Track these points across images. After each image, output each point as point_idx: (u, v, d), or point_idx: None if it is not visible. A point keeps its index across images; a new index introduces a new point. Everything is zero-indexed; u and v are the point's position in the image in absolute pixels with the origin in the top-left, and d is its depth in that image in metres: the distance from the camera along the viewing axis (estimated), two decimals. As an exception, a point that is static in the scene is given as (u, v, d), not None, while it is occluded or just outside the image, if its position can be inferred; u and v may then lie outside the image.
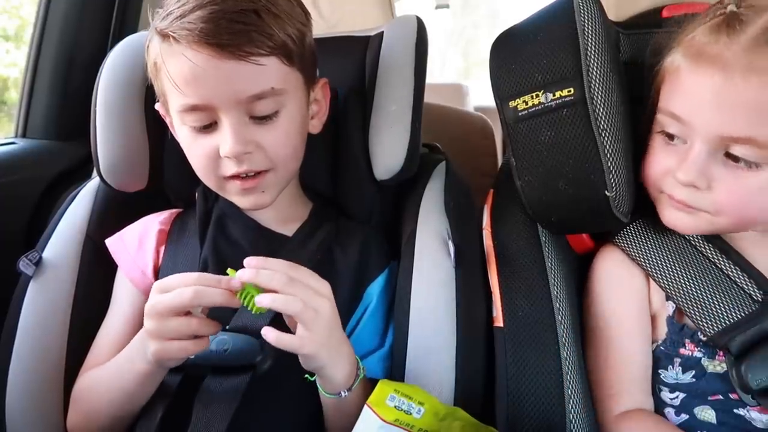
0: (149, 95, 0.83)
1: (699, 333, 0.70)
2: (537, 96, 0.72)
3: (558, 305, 0.74)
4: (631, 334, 0.74)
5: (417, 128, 0.82)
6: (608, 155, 0.69)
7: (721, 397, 0.69)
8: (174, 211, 0.87)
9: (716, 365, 0.70)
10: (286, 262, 0.64)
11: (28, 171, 1.12)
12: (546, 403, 0.69)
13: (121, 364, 0.71)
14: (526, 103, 0.72)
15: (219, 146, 0.70)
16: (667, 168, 0.69)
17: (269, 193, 0.75)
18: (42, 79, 1.18)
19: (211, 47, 0.65)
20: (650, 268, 0.75)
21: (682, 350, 0.72)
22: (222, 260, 0.78)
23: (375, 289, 0.80)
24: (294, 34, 0.71)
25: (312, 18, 0.78)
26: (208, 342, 0.66)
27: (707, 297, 0.70)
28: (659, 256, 0.74)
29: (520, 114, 0.73)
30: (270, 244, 0.80)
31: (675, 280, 0.72)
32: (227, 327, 0.72)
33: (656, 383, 0.74)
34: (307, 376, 0.67)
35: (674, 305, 0.73)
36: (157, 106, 0.78)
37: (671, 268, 0.73)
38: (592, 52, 0.70)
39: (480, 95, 2.96)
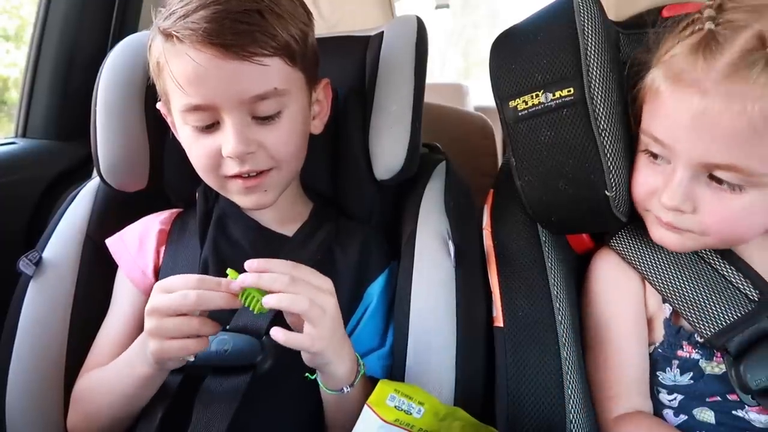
0: (149, 95, 0.84)
1: (696, 335, 0.70)
2: (537, 96, 0.72)
3: (558, 305, 0.74)
4: (627, 336, 0.74)
5: (417, 128, 0.82)
6: (608, 155, 0.69)
7: (719, 398, 0.69)
8: (174, 211, 0.87)
9: (714, 367, 0.70)
10: (287, 261, 0.64)
11: (28, 171, 1.12)
12: (546, 403, 0.69)
13: (121, 367, 0.71)
14: (526, 103, 0.72)
15: (221, 146, 0.70)
16: (652, 188, 0.69)
17: (271, 193, 0.75)
18: (42, 79, 1.18)
19: (215, 47, 0.65)
20: (646, 271, 0.75)
21: (679, 352, 0.72)
22: (222, 260, 0.78)
23: (375, 289, 0.80)
24: (297, 35, 0.71)
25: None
26: (208, 341, 0.66)
27: (703, 299, 0.70)
28: (654, 259, 0.74)
29: (520, 114, 0.73)
30: (270, 245, 0.80)
31: (671, 282, 0.72)
32: (227, 327, 0.72)
33: (654, 385, 0.74)
34: (307, 374, 0.68)
35: (671, 307, 0.73)
36: (159, 106, 0.78)
37: (667, 270, 0.73)
38: (592, 52, 0.70)
39: (480, 95, 2.96)
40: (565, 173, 0.72)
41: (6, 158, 1.10)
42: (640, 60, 0.70)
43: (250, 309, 0.62)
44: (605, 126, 0.69)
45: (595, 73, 0.69)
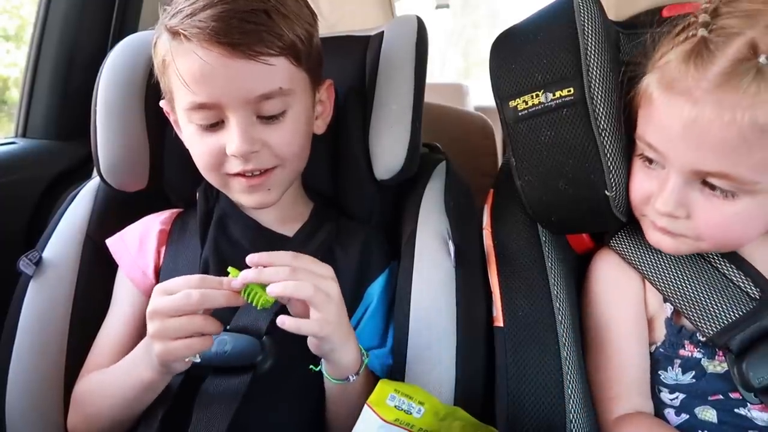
0: (149, 95, 0.84)
1: (698, 334, 0.70)
2: (537, 96, 0.72)
3: (558, 305, 0.74)
4: (628, 337, 0.74)
5: (417, 128, 0.82)
6: (608, 155, 0.70)
7: (721, 396, 0.69)
8: (174, 210, 0.87)
9: (716, 365, 0.70)
10: (288, 252, 0.65)
11: (28, 171, 1.12)
12: (546, 402, 0.69)
13: (124, 371, 0.70)
14: (526, 103, 0.72)
15: (225, 145, 0.70)
16: (647, 193, 0.69)
17: (275, 192, 0.76)
18: (42, 79, 1.18)
19: (222, 46, 0.65)
20: (646, 271, 0.75)
21: (681, 351, 0.72)
22: (223, 260, 0.77)
23: (375, 289, 0.80)
24: (302, 35, 0.71)
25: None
26: (212, 340, 0.66)
27: (704, 297, 0.70)
28: (655, 259, 0.74)
29: (520, 114, 0.73)
30: (271, 244, 0.79)
31: (672, 282, 0.72)
32: (227, 327, 0.72)
33: (656, 384, 0.74)
34: (312, 366, 0.68)
35: (672, 307, 0.73)
36: (162, 104, 0.78)
37: (667, 270, 0.73)
38: (592, 52, 0.70)
39: (480, 95, 2.97)
40: (565, 173, 0.72)
41: (6, 158, 1.10)
42: (636, 63, 0.70)
43: (254, 305, 0.62)
44: (605, 126, 0.69)
45: (595, 73, 0.69)
